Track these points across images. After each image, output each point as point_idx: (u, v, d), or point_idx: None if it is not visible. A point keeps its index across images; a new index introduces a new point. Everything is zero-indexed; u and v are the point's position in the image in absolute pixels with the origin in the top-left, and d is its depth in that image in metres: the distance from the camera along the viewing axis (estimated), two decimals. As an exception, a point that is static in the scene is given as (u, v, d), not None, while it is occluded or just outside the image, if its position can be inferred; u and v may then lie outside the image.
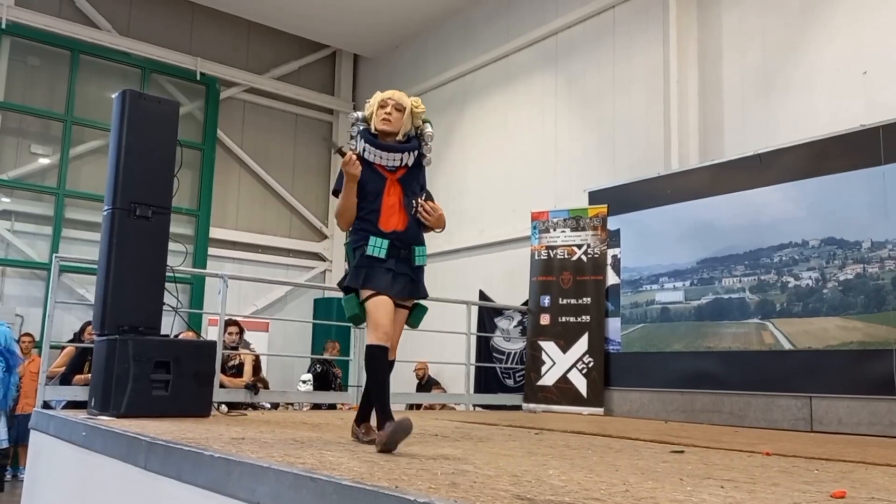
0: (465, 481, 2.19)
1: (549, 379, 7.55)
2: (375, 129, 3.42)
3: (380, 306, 3.22)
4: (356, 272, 3.32)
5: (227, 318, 6.37)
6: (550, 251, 7.86)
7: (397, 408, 8.59)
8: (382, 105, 3.42)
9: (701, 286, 6.81)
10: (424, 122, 3.51)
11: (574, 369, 7.45)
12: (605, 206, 7.68)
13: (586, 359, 7.41)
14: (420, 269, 3.39)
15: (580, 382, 7.39)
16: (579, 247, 7.73)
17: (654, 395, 6.93)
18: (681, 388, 6.68)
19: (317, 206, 12.86)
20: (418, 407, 8.56)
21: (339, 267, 12.75)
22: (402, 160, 3.39)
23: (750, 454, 3.60)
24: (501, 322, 8.90)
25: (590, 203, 7.91)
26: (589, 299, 7.56)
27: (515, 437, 4.11)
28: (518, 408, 7.68)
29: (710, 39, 7.85)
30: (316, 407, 7.82)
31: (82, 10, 10.78)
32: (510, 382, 8.57)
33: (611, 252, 7.58)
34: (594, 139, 8.97)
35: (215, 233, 11.54)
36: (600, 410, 7.20)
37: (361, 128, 3.47)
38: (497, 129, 10.36)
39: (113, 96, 4.76)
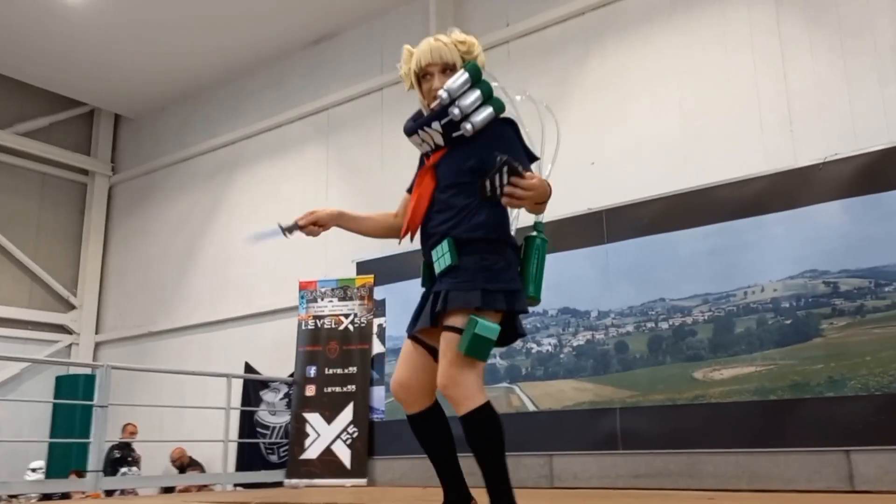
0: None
1: (312, 452, 7.69)
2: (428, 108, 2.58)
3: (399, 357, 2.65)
4: None
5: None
6: (318, 321, 8.12)
7: (147, 493, 8.25)
8: (424, 74, 2.55)
9: (458, 354, 7.41)
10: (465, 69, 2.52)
11: (339, 440, 7.67)
12: (372, 276, 8.14)
13: (351, 429, 7.68)
14: (446, 272, 2.45)
15: (344, 453, 7.62)
16: (346, 316, 8.08)
17: (414, 462, 7.33)
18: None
19: (64, 272, 12.04)
20: (171, 490, 8.26)
21: (87, 341, 11.99)
22: (427, 143, 2.61)
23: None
24: (267, 395, 8.93)
25: (357, 273, 8.33)
26: (355, 368, 7.89)
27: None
28: (280, 484, 7.71)
29: (467, 125, 8.77)
30: (46, 497, 7.27)
31: None
32: (274, 458, 8.57)
33: (377, 321, 8.00)
34: (363, 210, 9.47)
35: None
36: (363, 481, 7.45)
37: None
38: (268, 199, 10.55)
39: None
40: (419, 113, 2.63)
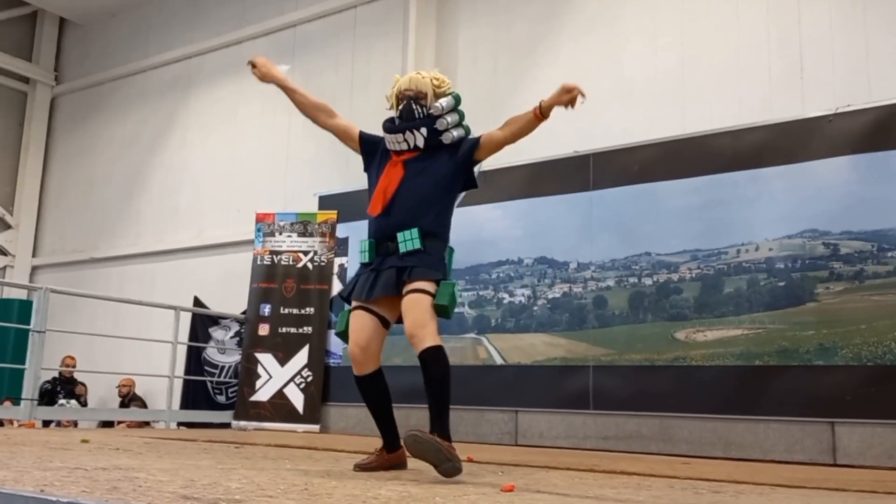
0: (128, 486, 2.13)
1: (263, 394, 7.50)
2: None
3: (352, 323, 3.19)
4: (348, 282, 3.36)
5: None
6: (275, 256, 7.84)
7: (85, 426, 8.02)
8: (403, 97, 3.32)
9: (424, 300, 7.21)
10: (448, 95, 3.33)
11: (292, 383, 7.49)
12: (335, 212, 7.85)
13: (305, 373, 7.49)
14: (411, 253, 3.12)
15: (297, 398, 7.44)
16: (306, 253, 7.81)
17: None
18: (397, 402, 6.97)
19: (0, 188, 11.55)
20: (110, 424, 8.03)
21: (23, 263, 11.56)
22: (407, 142, 3.27)
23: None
24: (217, 332, 8.68)
25: (319, 208, 8.04)
26: (312, 309, 7.66)
27: (211, 451, 4.05)
28: (228, 426, 7.52)
29: (447, 55, 8.42)
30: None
31: None
32: (222, 399, 8.38)
33: (338, 261, 7.75)
34: (328, 141, 9.09)
35: None
36: (316, 427, 7.30)
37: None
38: (225, 122, 10.13)
39: None
40: (392, 121, 3.35)
